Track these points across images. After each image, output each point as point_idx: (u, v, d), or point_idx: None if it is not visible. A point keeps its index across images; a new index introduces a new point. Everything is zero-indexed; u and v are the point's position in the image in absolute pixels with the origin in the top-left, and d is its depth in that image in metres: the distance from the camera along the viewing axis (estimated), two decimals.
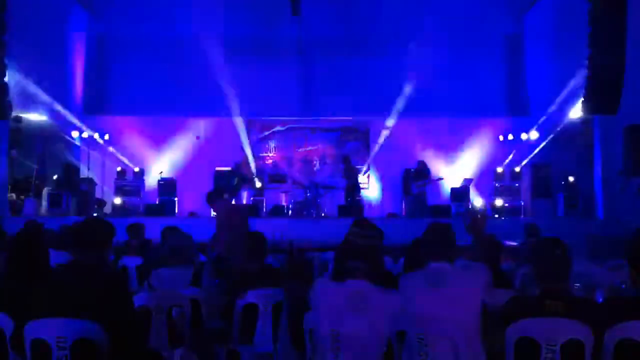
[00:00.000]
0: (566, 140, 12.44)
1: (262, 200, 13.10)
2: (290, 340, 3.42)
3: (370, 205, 13.70)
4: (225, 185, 12.14)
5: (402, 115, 13.53)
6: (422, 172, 12.37)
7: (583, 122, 11.44)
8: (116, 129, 13.84)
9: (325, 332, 2.89)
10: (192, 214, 12.65)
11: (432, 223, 3.36)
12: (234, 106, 13.63)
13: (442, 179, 12.80)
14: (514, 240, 7.12)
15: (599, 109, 10.35)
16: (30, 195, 11.89)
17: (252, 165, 13.89)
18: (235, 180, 12.37)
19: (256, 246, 4.60)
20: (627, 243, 2.98)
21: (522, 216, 12.56)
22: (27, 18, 10.91)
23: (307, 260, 6.99)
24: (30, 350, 2.83)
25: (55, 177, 12.45)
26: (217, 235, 6.20)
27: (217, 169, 13.10)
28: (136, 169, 13.58)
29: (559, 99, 12.16)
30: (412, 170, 12.68)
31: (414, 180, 12.41)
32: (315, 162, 14.07)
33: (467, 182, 13.26)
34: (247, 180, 13.30)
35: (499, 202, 13.04)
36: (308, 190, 12.89)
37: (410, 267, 4.38)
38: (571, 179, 12.07)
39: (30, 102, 11.30)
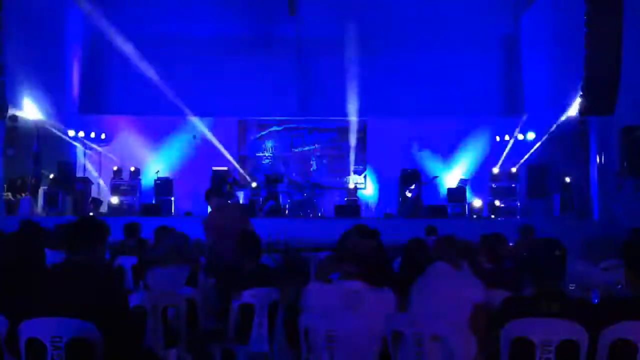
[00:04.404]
0: (562, 141, 12.46)
1: (259, 200, 13.09)
2: (286, 340, 3.43)
3: (367, 205, 13.70)
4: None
5: (399, 115, 13.54)
6: (411, 178, 12.39)
7: (579, 122, 11.46)
8: (112, 128, 13.82)
9: (320, 331, 2.89)
10: (188, 214, 12.63)
11: (442, 237, 3.47)
12: (231, 106, 13.63)
13: (436, 177, 12.78)
14: (509, 241, 7.12)
15: (595, 110, 10.38)
16: (26, 194, 11.85)
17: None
18: (227, 187, 12.35)
19: (251, 246, 4.60)
20: (623, 244, 2.99)
21: (518, 216, 12.57)
22: (23, 17, 10.89)
23: (303, 260, 6.99)
24: (25, 349, 2.83)
25: (51, 176, 12.41)
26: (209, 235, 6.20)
27: (214, 168, 13.09)
28: (132, 168, 13.55)
29: (555, 100, 12.19)
30: (403, 172, 12.71)
31: (405, 185, 12.44)
32: (311, 162, 14.07)
33: (464, 182, 13.28)
34: (240, 185, 13.31)
35: (495, 202, 13.05)
36: (305, 190, 12.90)
37: (408, 267, 4.40)
38: (567, 179, 12.09)
39: (26, 101, 11.27)
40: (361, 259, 2.99)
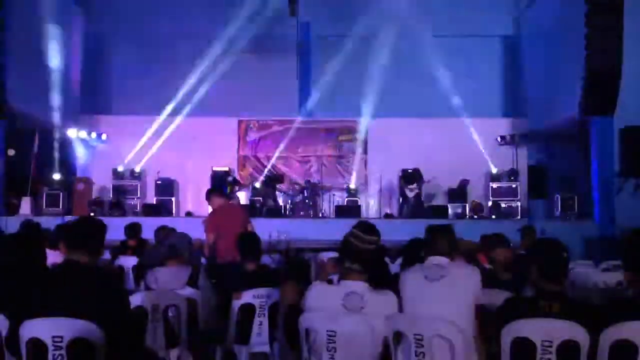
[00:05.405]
0: (563, 141, 12.45)
1: (259, 200, 13.10)
2: (286, 340, 3.43)
3: (367, 205, 13.69)
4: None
5: (400, 115, 13.54)
6: (413, 177, 12.41)
7: (580, 122, 11.45)
8: (113, 128, 13.82)
9: (321, 332, 2.89)
10: (189, 214, 12.65)
11: (434, 225, 3.48)
12: (231, 106, 13.63)
13: (429, 180, 12.76)
14: (510, 242, 7.12)
15: (596, 110, 10.39)
16: (27, 194, 11.86)
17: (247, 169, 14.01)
18: (229, 189, 12.36)
19: (252, 246, 4.61)
20: (621, 244, 3.00)
21: (518, 217, 12.57)
22: (24, 17, 10.89)
23: (303, 260, 7.00)
24: (26, 349, 2.83)
25: (52, 176, 12.42)
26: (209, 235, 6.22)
27: (214, 168, 13.09)
28: (133, 169, 13.56)
29: (555, 100, 12.19)
30: (404, 172, 12.72)
31: (406, 184, 12.46)
32: (312, 162, 14.07)
33: (464, 182, 13.28)
34: (240, 184, 13.31)
35: (495, 202, 13.05)
36: (305, 191, 12.91)
37: (409, 267, 4.41)
38: (567, 179, 12.09)
39: (27, 101, 11.27)
40: (363, 256, 2.99)
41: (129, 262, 6.29)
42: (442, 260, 3.34)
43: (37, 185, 12.23)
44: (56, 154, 12.80)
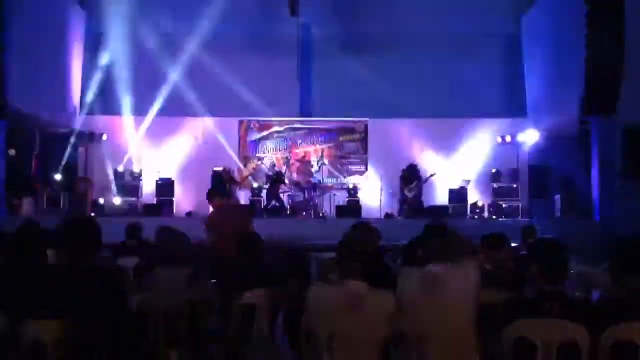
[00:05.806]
0: (564, 141, 12.44)
1: (260, 200, 13.11)
2: (287, 340, 3.43)
3: (367, 205, 13.68)
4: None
5: (400, 115, 13.54)
6: (411, 175, 12.41)
7: (581, 122, 11.44)
8: (113, 128, 13.82)
9: (322, 332, 2.89)
10: (189, 214, 12.65)
11: (432, 225, 3.46)
12: (232, 106, 13.62)
13: (433, 174, 12.76)
14: (510, 242, 7.11)
15: (597, 110, 10.37)
16: (28, 194, 11.85)
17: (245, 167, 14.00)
18: (227, 187, 12.34)
19: (253, 246, 4.61)
20: (618, 244, 3.00)
21: (519, 217, 12.57)
22: (25, 17, 10.89)
23: (303, 260, 6.99)
24: (26, 350, 2.83)
25: (52, 176, 12.42)
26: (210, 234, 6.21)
27: (215, 169, 13.09)
28: (134, 169, 13.56)
29: (556, 100, 12.18)
30: (404, 172, 12.73)
31: (404, 184, 12.47)
32: (312, 162, 14.07)
33: (465, 182, 13.28)
34: (240, 184, 13.30)
35: (496, 203, 13.05)
36: (306, 191, 12.91)
37: (408, 267, 4.41)
38: (568, 179, 12.08)
39: (28, 101, 11.27)
40: (363, 256, 2.99)
41: (129, 262, 6.28)
42: (441, 268, 3.27)
43: (37, 186, 12.23)
44: (57, 154, 12.80)
